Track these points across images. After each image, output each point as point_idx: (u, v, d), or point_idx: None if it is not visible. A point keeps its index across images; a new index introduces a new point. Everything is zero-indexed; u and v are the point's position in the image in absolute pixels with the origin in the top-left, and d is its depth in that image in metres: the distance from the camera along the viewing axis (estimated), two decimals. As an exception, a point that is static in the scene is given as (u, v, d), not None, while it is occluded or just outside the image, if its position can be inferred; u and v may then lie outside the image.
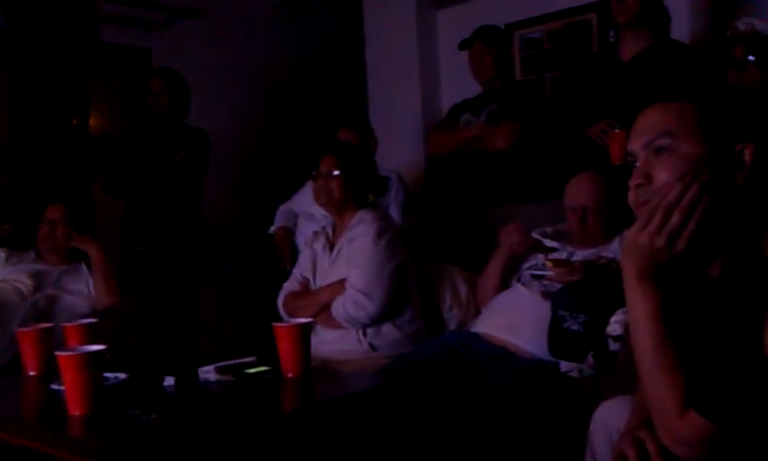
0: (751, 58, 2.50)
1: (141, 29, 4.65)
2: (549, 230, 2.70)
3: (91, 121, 4.47)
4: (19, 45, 4.14)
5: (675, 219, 1.19)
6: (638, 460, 1.23)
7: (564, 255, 2.53)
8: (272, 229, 3.50)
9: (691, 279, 1.29)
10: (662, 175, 1.24)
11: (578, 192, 2.57)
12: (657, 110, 1.31)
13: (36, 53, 4.16)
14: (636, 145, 1.30)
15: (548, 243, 2.58)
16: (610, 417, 1.46)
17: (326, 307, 2.62)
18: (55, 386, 1.95)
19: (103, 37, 4.52)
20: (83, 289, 3.14)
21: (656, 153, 1.26)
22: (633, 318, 1.24)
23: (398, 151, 4.23)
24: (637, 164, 1.29)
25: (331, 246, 2.75)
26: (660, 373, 1.19)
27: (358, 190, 2.72)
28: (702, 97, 1.29)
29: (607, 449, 1.42)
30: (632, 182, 1.29)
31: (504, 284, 2.66)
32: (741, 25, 2.52)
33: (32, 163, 4.14)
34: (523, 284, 2.55)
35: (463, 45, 3.56)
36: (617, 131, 2.81)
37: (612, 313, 2.08)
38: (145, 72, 4.46)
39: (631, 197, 1.30)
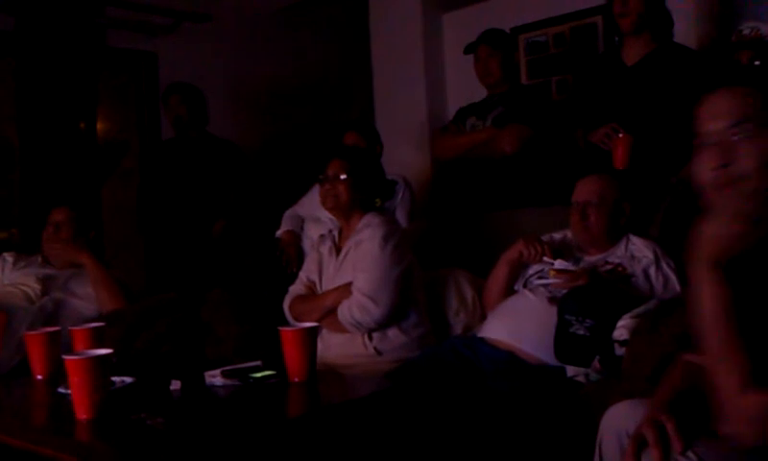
0: (756, 62, 2.50)
1: (148, 33, 4.67)
2: (557, 235, 2.69)
3: (98, 125, 4.49)
4: (27, 50, 4.16)
5: (756, 206, 1.19)
6: (657, 440, 1.23)
7: (571, 262, 2.53)
8: (278, 232, 3.51)
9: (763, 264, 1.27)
10: (746, 161, 1.24)
11: (581, 189, 2.58)
12: (736, 95, 1.30)
13: (44, 57, 4.18)
14: (715, 126, 1.29)
15: (558, 264, 2.55)
16: (619, 419, 1.46)
17: (332, 311, 2.62)
18: (62, 390, 1.95)
19: (110, 42, 4.54)
20: (90, 293, 3.13)
21: (738, 137, 1.26)
22: (699, 303, 1.23)
23: (405, 155, 4.24)
24: (710, 145, 1.28)
25: (337, 249, 2.76)
26: (722, 349, 1.18)
27: (365, 194, 2.72)
28: None
29: (616, 452, 1.42)
30: (711, 163, 1.28)
31: (510, 289, 2.66)
32: (746, 30, 2.52)
33: (39, 167, 4.17)
34: (530, 290, 2.54)
35: (468, 49, 3.56)
36: (621, 135, 2.81)
37: (618, 318, 2.08)
38: (152, 76, 4.53)
39: (707, 177, 1.29)
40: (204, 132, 4.13)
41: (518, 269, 2.65)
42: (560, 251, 2.59)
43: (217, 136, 4.15)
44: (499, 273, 2.67)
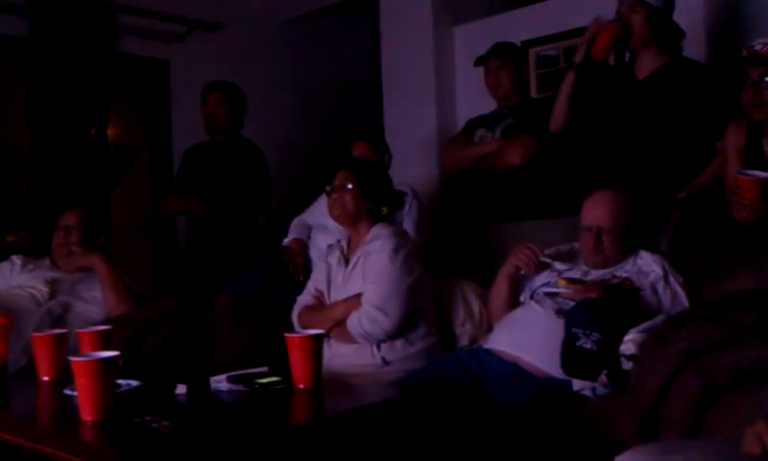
0: (767, 78, 2.48)
1: (160, 41, 4.71)
2: (563, 247, 2.68)
3: (109, 131, 4.52)
4: (39, 55, 4.20)
5: None
6: None
7: (578, 275, 2.52)
8: (286, 240, 3.52)
9: None
10: None
11: (595, 212, 2.53)
12: None
13: (56, 63, 4.22)
14: None
15: (558, 266, 2.56)
16: None
17: (341, 322, 2.62)
18: (68, 391, 1.96)
19: (122, 48, 4.57)
20: (97, 296, 3.13)
21: None
22: None
23: (413, 165, 4.24)
24: None
25: (346, 260, 2.76)
26: None
27: (372, 203, 2.72)
28: None
29: None
30: None
31: (516, 301, 2.65)
32: (758, 45, 2.51)
33: (50, 172, 4.19)
34: (537, 302, 2.54)
35: (478, 61, 3.56)
36: (609, 22, 2.81)
37: (625, 332, 2.07)
38: (163, 83, 4.55)
39: None
40: (236, 134, 3.99)
41: (519, 281, 2.64)
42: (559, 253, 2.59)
43: (246, 139, 4.00)
44: (500, 288, 2.66)
